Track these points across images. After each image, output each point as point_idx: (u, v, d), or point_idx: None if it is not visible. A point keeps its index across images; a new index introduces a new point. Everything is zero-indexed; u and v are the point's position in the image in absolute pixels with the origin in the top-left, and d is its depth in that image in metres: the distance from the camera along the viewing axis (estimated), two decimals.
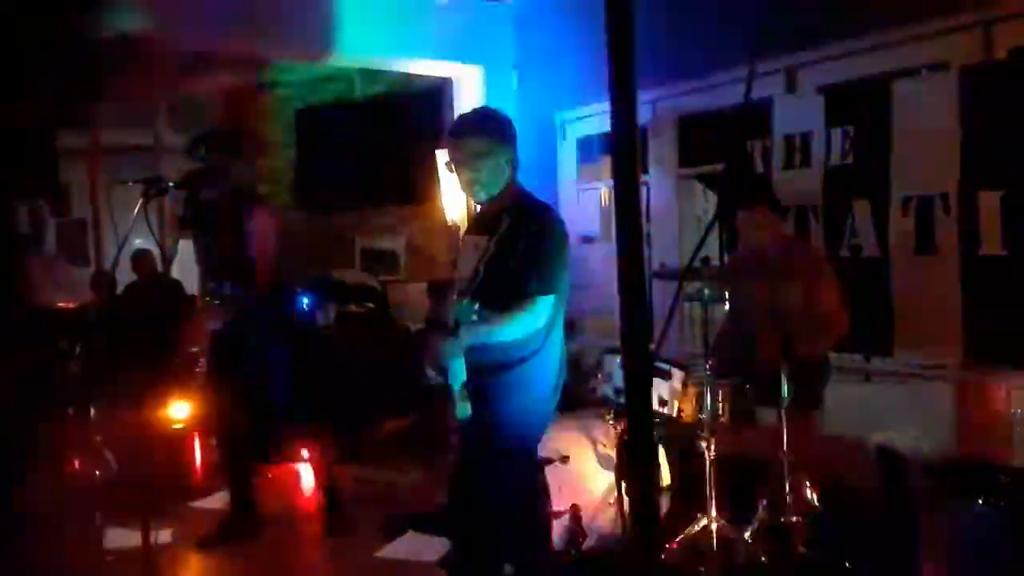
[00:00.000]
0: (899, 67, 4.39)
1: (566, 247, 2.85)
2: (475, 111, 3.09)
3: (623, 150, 1.12)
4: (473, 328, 2.70)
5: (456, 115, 7.00)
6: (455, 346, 2.69)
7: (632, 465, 1.15)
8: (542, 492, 3.14)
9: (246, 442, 4.26)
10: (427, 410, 6.22)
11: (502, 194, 2.89)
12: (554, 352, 2.88)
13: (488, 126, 2.90)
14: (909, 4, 4.27)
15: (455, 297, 2.85)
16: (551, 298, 2.77)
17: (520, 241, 2.75)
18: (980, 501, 2.65)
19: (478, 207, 3.08)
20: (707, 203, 6.15)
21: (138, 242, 6.79)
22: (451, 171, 2.91)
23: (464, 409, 2.68)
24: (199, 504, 5.00)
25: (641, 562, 1.19)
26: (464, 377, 2.70)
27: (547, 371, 2.87)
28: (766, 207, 4.14)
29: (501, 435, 2.80)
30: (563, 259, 2.82)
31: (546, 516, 3.25)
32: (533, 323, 2.75)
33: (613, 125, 1.11)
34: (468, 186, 2.89)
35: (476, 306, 2.67)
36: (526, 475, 2.96)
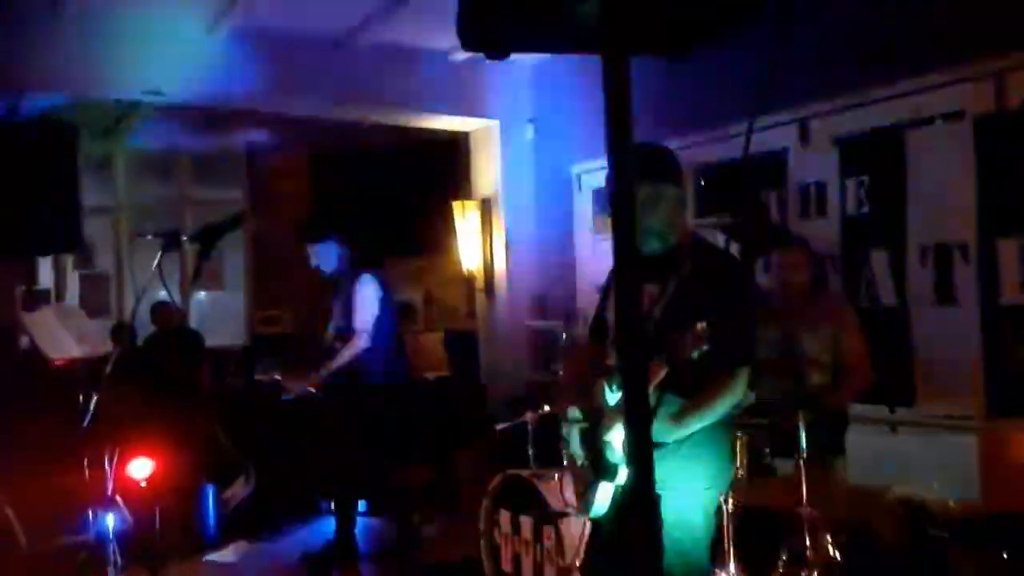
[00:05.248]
0: (913, 117, 4.40)
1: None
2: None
3: (622, 207, 1.14)
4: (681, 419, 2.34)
5: (472, 167, 7.18)
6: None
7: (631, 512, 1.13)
8: None
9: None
10: (447, 462, 6.19)
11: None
12: None
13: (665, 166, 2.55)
14: (921, 54, 4.30)
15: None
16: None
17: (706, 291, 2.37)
18: (1005, 554, 2.58)
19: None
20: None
21: (162, 295, 6.87)
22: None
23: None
24: (213, 557, 4.99)
25: None
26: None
27: None
28: (804, 250, 4.14)
29: None
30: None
31: None
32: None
33: (610, 184, 1.13)
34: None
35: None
36: None
